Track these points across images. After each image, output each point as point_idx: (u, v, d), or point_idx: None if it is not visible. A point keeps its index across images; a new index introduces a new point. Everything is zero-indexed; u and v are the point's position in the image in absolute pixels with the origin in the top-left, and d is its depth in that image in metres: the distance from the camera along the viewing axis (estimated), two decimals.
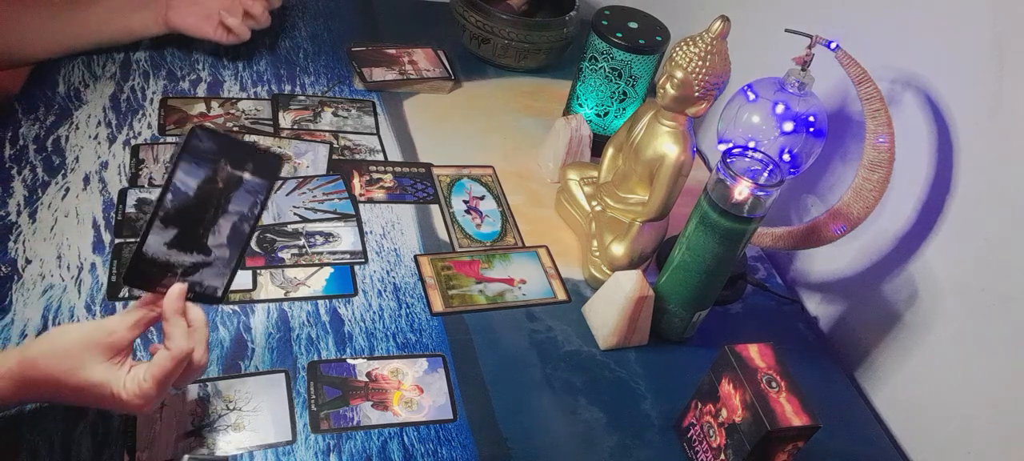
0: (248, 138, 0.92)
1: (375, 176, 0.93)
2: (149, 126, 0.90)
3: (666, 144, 0.81)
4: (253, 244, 0.80)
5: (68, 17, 0.93)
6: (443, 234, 0.88)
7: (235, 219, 0.61)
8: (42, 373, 0.54)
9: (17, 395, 0.55)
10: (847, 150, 0.90)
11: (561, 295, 0.85)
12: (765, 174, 0.69)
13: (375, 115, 1.02)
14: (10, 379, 0.54)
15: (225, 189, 0.59)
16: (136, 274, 0.58)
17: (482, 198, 0.95)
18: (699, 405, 0.70)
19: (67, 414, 0.62)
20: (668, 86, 0.77)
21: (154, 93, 0.95)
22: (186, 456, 0.61)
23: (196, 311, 0.59)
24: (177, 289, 0.58)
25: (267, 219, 0.83)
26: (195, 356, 0.58)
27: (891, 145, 0.76)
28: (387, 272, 0.82)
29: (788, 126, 0.78)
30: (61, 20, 0.93)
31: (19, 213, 0.77)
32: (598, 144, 0.98)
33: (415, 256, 0.84)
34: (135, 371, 0.55)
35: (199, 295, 0.60)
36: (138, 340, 0.62)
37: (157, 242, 0.58)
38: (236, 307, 0.74)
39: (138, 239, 0.57)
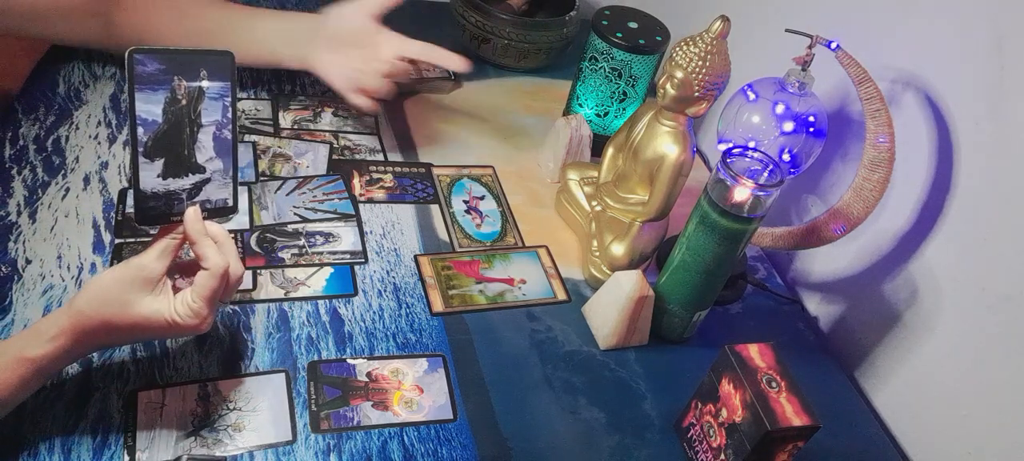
0: (243, 137, 0.92)
1: (375, 176, 0.93)
2: None
3: (666, 144, 0.81)
4: (253, 244, 0.80)
5: (220, 28, 0.88)
6: (443, 234, 0.88)
7: (214, 129, 0.62)
8: (94, 322, 0.57)
9: (80, 347, 0.58)
10: (847, 150, 0.90)
11: (561, 295, 0.85)
12: (765, 174, 0.69)
13: (375, 115, 1.02)
14: (66, 335, 0.57)
15: (190, 104, 0.61)
16: (145, 213, 0.61)
17: (482, 198, 0.95)
18: (699, 405, 0.70)
19: (67, 414, 0.62)
20: (668, 86, 0.77)
21: None
22: (186, 456, 0.61)
23: (216, 227, 0.62)
24: (192, 212, 0.61)
25: (267, 219, 0.83)
26: (231, 268, 0.61)
27: (891, 145, 0.76)
28: (387, 272, 0.82)
29: (788, 126, 0.78)
30: (211, 28, 0.88)
31: (19, 213, 0.77)
32: (598, 144, 0.98)
33: (415, 256, 0.84)
34: (182, 295, 0.59)
35: (213, 211, 0.63)
36: None
37: (149, 177, 0.60)
38: (236, 307, 0.74)
39: (132, 183, 0.60)
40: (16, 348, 0.57)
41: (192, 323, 0.59)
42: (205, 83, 0.61)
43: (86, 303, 0.57)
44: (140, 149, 0.59)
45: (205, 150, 0.62)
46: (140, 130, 0.59)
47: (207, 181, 0.63)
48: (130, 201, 0.80)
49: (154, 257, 0.60)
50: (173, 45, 0.60)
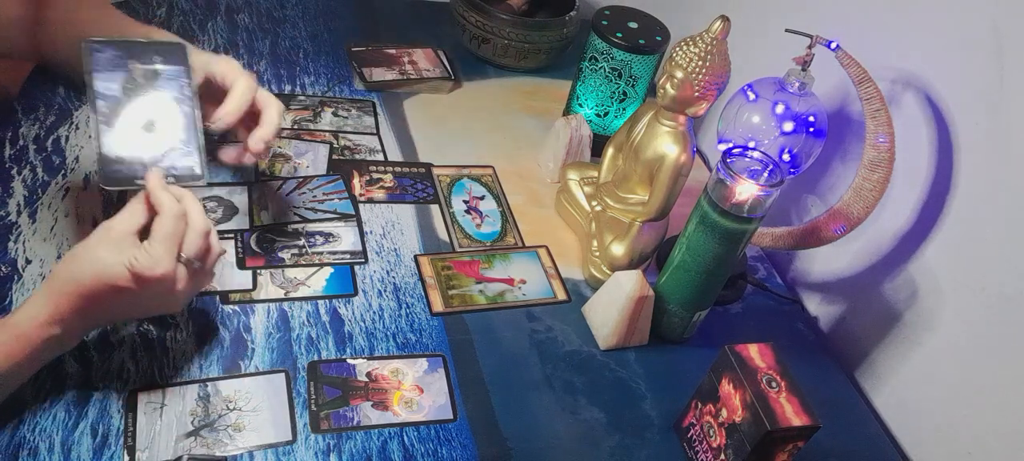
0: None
1: (375, 176, 0.93)
2: None
3: (666, 144, 0.81)
4: (253, 244, 0.80)
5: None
6: (443, 234, 0.88)
7: (173, 105, 0.66)
8: (63, 279, 0.59)
9: (57, 312, 0.59)
10: (847, 150, 0.90)
11: (561, 295, 0.85)
12: (765, 174, 0.69)
13: (375, 115, 1.03)
14: (41, 296, 0.59)
15: (147, 83, 0.65)
16: (108, 176, 0.63)
17: (482, 198, 0.95)
18: (699, 405, 0.70)
19: (67, 414, 0.62)
20: (668, 86, 0.77)
21: None
22: (186, 456, 0.61)
23: (178, 189, 0.63)
24: (155, 171, 0.63)
25: (267, 219, 0.83)
26: (192, 216, 0.62)
27: (891, 145, 0.76)
28: (387, 272, 0.82)
29: (788, 126, 0.78)
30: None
31: (19, 213, 0.77)
32: (598, 144, 0.98)
33: (415, 256, 0.84)
34: (142, 245, 0.60)
35: (180, 178, 0.65)
36: None
37: (112, 142, 0.63)
38: (236, 307, 0.74)
39: (96, 149, 0.63)
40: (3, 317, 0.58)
41: (150, 270, 0.58)
42: (159, 66, 0.65)
43: (58, 267, 0.60)
44: (99, 118, 0.62)
45: (165, 121, 0.65)
46: (100, 102, 0.62)
47: (172, 150, 0.65)
48: None
49: (121, 216, 0.61)
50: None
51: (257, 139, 0.72)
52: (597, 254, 0.87)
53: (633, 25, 0.97)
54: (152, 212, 0.62)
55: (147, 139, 0.64)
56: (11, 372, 0.57)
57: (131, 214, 0.61)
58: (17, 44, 0.84)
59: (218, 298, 0.74)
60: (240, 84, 0.72)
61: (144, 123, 0.64)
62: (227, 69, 0.73)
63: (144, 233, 0.61)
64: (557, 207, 0.96)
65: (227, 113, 0.71)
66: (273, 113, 0.74)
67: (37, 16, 0.82)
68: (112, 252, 0.59)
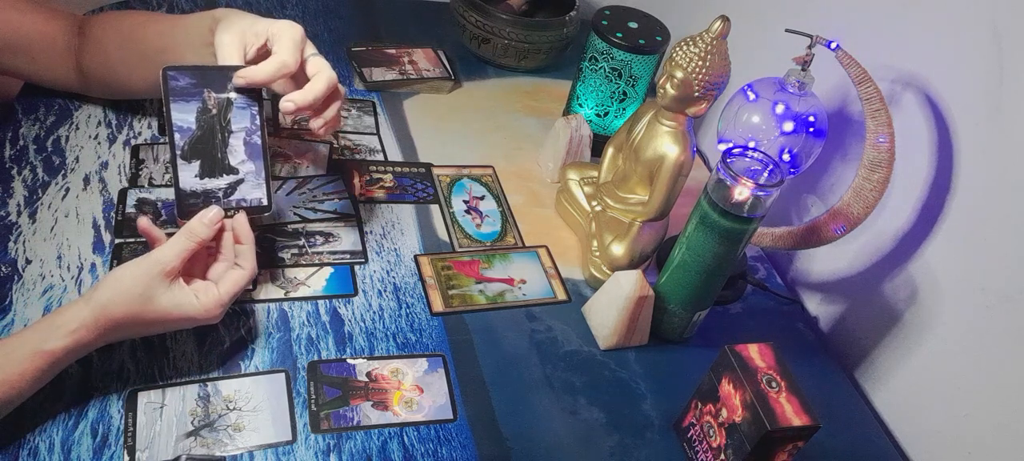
0: None
1: (375, 176, 0.93)
2: (149, 126, 0.90)
3: (666, 144, 0.81)
4: None
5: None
6: (443, 234, 0.88)
7: (243, 135, 0.68)
8: (117, 317, 0.60)
9: (100, 340, 0.61)
10: (847, 150, 0.90)
11: (561, 295, 0.85)
12: (765, 174, 0.69)
13: (375, 115, 1.03)
14: (87, 329, 0.59)
15: (220, 113, 0.67)
16: (185, 208, 0.67)
17: (482, 198, 0.95)
18: (699, 405, 0.70)
19: (67, 414, 0.62)
20: (668, 86, 0.77)
21: None
22: (186, 456, 0.61)
23: (247, 232, 0.67)
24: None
25: (267, 219, 0.83)
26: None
27: (891, 145, 0.76)
28: (387, 272, 0.82)
29: (788, 126, 0.78)
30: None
31: (19, 213, 0.77)
32: (598, 144, 0.98)
33: (415, 256, 0.84)
34: (210, 290, 0.64)
35: (250, 210, 0.69)
36: None
37: (188, 177, 0.66)
38: (236, 307, 0.74)
39: (173, 183, 0.66)
40: (35, 341, 0.58)
41: (215, 313, 0.64)
42: (232, 94, 0.67)
43: (109, 299, 0.59)
44: (178, 152, 0.65)
45: (237, 153, 0.68)
46: (177, 136, 0.65)
47: (241, 181, 0.68)
48: (130, 201, 0.81)
49: (174, 255, 0.62)
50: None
51: (284, 98, 0.68)
52: (597, 254, 0.87)
53: (633, 25, 0.97)
54: (199, 246, 0.64)
55: (220, 171, 0.67)
56: (29, 389, 0.58)
57: (181, 254, 0.63)
58: (60, 71, 0.85)
59: None
60: (274, 60, 0.68)
61: (218, 155, 0.67)
62: (278, 33, 0.69)
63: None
64: (557, 207, 0.96)
65: (244, 74, 0.67)
66: (318, 83, 0.69)
67: (79, 43, 0.82)
68: (171, 294, 0.62)
